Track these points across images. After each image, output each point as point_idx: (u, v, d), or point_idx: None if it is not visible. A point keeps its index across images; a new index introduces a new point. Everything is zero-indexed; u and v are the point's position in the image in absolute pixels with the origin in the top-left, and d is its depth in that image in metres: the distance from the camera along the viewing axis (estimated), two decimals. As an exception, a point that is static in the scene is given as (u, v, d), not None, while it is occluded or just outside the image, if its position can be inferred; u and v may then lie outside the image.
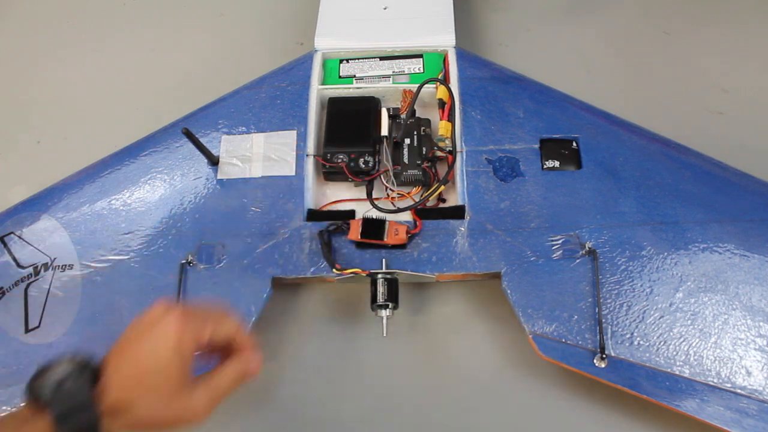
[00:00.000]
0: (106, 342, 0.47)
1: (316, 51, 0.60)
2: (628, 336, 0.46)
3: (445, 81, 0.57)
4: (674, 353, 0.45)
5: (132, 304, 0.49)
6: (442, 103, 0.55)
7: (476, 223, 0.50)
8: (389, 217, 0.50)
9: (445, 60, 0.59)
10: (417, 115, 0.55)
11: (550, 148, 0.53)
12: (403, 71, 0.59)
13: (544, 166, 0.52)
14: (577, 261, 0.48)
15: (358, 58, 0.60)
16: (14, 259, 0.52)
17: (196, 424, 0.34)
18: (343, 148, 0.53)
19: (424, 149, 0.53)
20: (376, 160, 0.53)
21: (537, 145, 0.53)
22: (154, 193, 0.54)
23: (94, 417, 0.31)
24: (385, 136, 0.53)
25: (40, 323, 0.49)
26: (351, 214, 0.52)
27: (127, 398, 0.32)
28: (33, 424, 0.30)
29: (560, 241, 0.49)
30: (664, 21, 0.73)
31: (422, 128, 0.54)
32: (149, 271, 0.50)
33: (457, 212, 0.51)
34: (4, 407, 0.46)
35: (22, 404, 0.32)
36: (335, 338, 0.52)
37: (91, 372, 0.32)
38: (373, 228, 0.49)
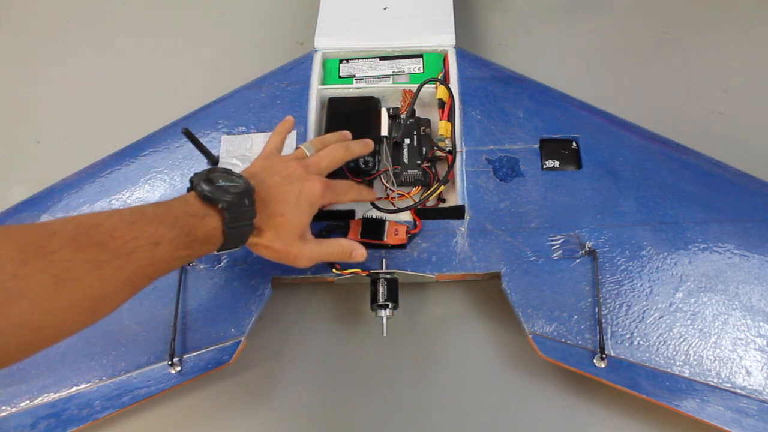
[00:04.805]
0: (106, 342, 0.47)
1: (316, 51, 0.60)
2: (627, 336, 0.46)
3: (445, 81, 0.57)
4: (674, 353, 0.45)
5: (131, 304, 0.48)
6: (442, 103, 0.55)
7: (476, 223, 0.50)
8: (389, 217, 0.50)
9: (445, 60, 0.59)
10: (417, 115, 0.55)
11: (550, 148, 0.53)
12: (403, 71, 0.59)
13: (544, 166, 0.52)
14: (577, 261, 0.48)
15: (358, 58, 0.60)
16: (14, 259, 0.51)
17: (296, 266, 0.43)
18: (343, 148, 0.53)
19: (424, 149, 0.53)
20: (376, 160, 0.53)
21: (537, 145, 0.53)
22: (154, 193, 0.54)
23: (248, 229, 0.39)
24: (385, 136, 0.53)
25: (39, 323, 0.49)
26: (351, 214, 0.52)
27: (266, 225, 0.40)
28: (209, 218, 0.37)
29: (560, 241, 0.49)
30: (664, 21, 0.73)
31: (422, 128, 0.54)
32: (149, 271, 0.50)
33: (457, 212, 0.51)
34: (3, 407, 0.46)
35: (192, 197, 0.38)
36: (335, 338, 0.52)
37: (252, 195, 0.39)
38: (373, 228, 0.49)
